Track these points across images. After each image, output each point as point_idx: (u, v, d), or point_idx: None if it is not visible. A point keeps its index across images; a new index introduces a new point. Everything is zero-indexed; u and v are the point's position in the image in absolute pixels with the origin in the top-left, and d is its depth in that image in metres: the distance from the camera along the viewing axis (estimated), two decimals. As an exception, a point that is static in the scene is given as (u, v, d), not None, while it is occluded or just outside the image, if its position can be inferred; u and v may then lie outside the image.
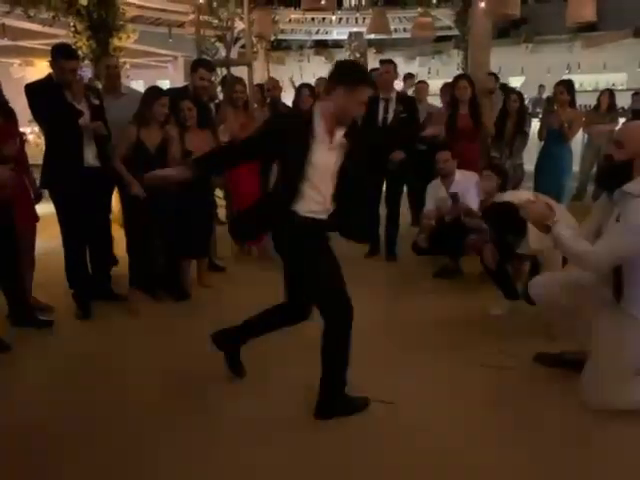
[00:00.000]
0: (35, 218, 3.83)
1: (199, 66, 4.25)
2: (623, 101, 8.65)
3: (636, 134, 2.37)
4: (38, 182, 3.83)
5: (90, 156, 3.71)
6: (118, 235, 4.29)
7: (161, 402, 2.73)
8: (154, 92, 3.81)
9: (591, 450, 2.31)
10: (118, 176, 3.70)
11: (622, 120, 7.28)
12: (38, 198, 3.93)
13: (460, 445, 2.34)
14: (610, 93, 7.45)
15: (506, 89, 6.51)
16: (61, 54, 3.50)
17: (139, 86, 9.56)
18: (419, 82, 6.70)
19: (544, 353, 2.97)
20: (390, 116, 4.69)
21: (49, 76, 3.59)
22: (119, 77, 4.45)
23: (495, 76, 6.37)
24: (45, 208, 4.04)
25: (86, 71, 5.42)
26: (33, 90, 3.54)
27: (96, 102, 3.78)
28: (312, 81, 6.30)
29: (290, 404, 2.65)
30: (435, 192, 4.43)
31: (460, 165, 4.43)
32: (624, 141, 2.38)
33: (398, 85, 6.34)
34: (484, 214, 3.61)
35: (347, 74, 2.42)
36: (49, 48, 3.63)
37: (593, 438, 2.38)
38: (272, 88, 4.93)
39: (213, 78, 4.73)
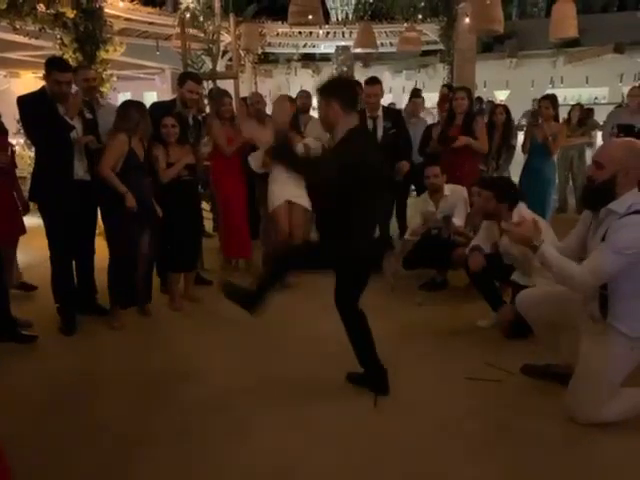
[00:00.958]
0: (22, 230, 3.79)
1: (187, 79, 4.24)
2: (605, 115, 8.77)
3: (614, 153, 2.39)
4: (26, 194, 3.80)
5: (80, 170, 3.69)
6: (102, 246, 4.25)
7: (155, 407, 2.71)
8: (139, 105, 3.75)
9: (577, 461, 2.31)
10: (109, 186, 3.56)
11: (600, 133, 7.39)
12: (26, 210, 3.90)
13: (445, 457, 2.33)
14: (580, 107, 7.57)
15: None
16: (56, 67, 3.46)
17: (126, 98, 9.52)
18: (415, 97, 6.56)
19: (530, 365, 2.98)
20: (380, 133, 4.61)
21: (42, 89, 3.54)
22: (96, 89, 4.41)
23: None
24: (31, 220, 4.00)
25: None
26: (25, 103, 3.50)
27: (89, 116, 3.76)
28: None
29: (282, 406, 2.67)
30: (423, 207, 4.46)
31: (455, 176, 4.46)
32: (604, 162, 2.39)
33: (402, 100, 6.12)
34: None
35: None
36: (35, 60, 3.62)
37: (579, 450, 2.38)
38: (256, 102, 4.99)
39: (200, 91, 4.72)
